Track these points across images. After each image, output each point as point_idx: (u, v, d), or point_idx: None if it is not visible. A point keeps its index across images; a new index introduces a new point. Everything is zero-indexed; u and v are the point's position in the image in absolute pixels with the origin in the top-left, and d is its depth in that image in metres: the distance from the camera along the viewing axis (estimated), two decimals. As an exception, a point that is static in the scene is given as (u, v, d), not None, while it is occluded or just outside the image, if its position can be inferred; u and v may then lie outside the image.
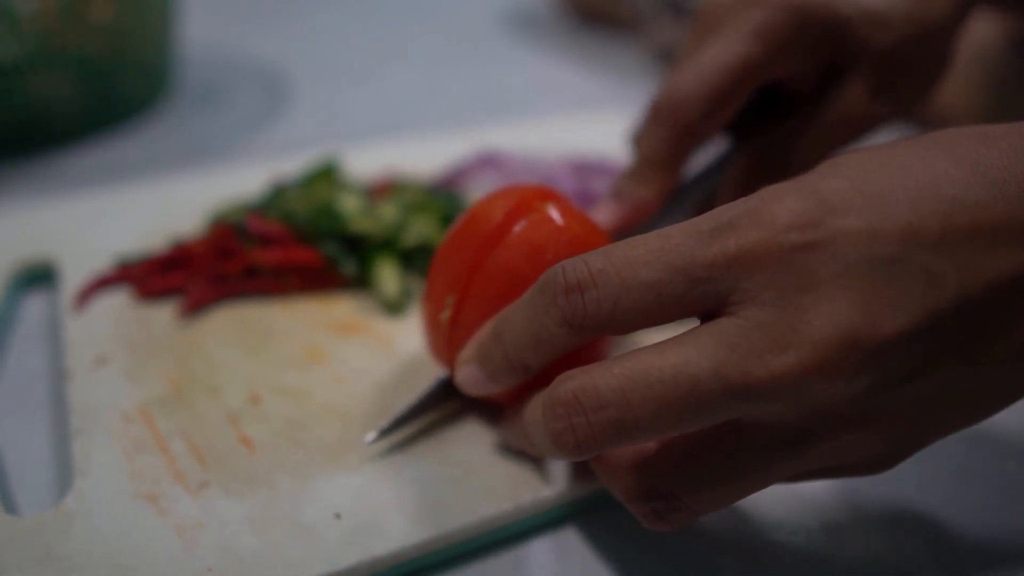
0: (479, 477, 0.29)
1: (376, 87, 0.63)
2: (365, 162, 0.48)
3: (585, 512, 0.29)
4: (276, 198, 0.41)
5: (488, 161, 0.47)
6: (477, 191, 0.45)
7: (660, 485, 0.24)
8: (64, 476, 0.30)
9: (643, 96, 0.62)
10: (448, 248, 0.30)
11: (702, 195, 0.35)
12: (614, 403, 0.21)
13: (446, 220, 0.41)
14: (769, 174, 0.34)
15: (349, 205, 0.40)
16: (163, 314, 0.37)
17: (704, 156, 0.36)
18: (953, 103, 0.52)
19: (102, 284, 0.38)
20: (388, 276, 0.38)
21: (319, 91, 0.62)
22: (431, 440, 0.31)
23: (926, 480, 0.30)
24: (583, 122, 0.54)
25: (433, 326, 0.30)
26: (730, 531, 0.29)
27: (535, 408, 0.25)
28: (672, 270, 0.22)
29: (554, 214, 0.29)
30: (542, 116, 0.56)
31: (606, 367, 0.22)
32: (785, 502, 0.29)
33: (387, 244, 0.39)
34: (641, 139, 0.33)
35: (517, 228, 0.28)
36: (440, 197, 0.42)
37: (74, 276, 0.38)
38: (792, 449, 0.22)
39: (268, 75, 0.64)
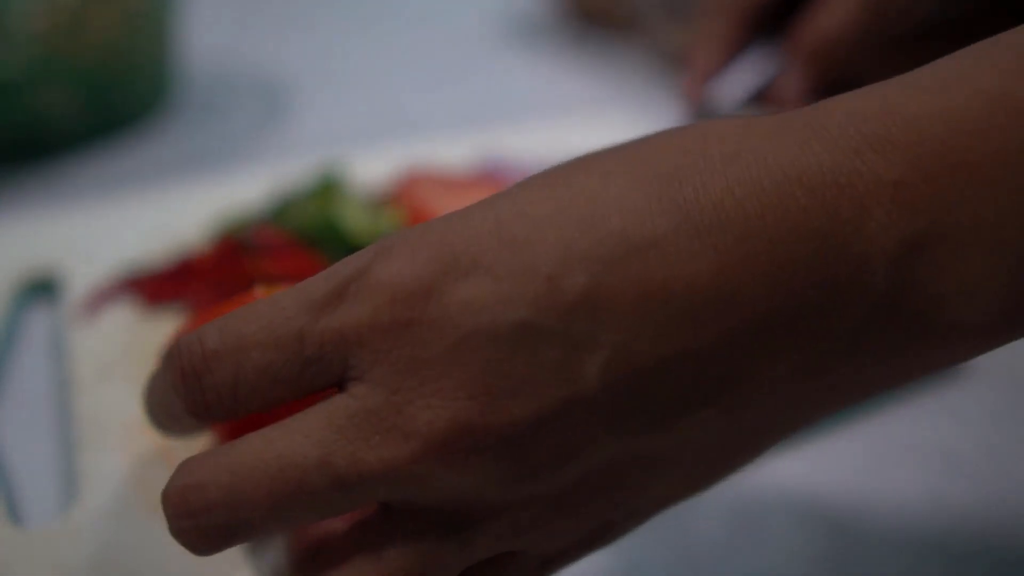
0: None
1: (379, 95, 0.63)
2: (370, 169, 0.48)
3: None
4: (280, 213, 0.41)
5: (494, 170, 0.47)
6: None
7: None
8: (70, 488, 0.30)
9: (646, 98, 0.62)
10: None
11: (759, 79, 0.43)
12: (221, 503, 0.18)
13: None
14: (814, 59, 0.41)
15: (352, 220, 0.40)
16: (168, 325, 0.36)
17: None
18: None
19: (108, 295, 0.38)
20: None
21: (321, 99, 0.62)
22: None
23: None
24: (587, 125, 0.54)
25: None
26: (743, 542, 0.28)
27: None
28: (283, 350, 0.19)
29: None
30: (546, 120, 0.56)
31: (221, 456, 0.19)
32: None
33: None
34: (704, 20, 0.43)
35: None
36: (444, 204, 0.42)
37: (78, 287, 0.38)
38: (454, 537, 0.19)
39: (270, 84, 0.64)
